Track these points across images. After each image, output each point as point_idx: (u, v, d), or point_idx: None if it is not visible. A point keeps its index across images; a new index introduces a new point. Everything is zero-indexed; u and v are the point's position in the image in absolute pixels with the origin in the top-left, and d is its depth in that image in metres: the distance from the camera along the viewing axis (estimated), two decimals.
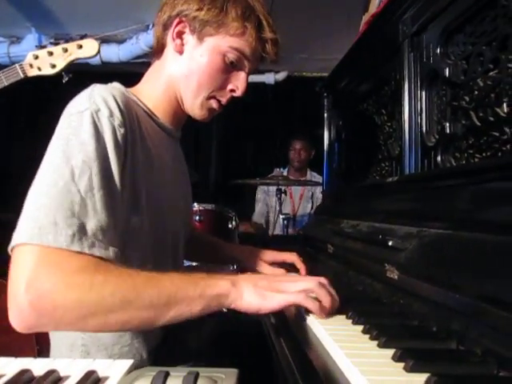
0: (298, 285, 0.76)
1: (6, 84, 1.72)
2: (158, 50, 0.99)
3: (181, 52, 0.95)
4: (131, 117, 0.82)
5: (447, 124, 0.97)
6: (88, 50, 1.77)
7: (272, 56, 0.98)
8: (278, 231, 2.96)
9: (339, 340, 0.60)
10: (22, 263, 0.64)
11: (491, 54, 0.83)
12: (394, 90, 1.23)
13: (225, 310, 1.93)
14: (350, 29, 2.09)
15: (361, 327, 0.66)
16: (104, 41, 3.41)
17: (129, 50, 3.34)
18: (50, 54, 1.76)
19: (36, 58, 1.75)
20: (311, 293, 0.74)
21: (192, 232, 1.36)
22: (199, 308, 0.70)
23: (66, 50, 1.76)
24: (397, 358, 0.53)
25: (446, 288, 0.67)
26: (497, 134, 0.82)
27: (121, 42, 3.41)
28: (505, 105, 0.80)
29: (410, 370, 0.49)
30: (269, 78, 4.05)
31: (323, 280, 0.79)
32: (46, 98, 3.63)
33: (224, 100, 0.99)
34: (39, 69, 1.76)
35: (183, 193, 1.11)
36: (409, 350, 0.54)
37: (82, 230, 0.67)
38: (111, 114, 0.77)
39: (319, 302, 0.74)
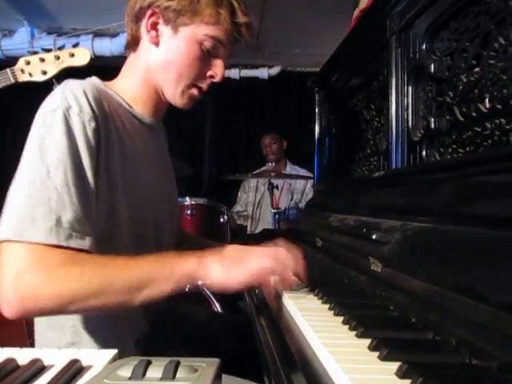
0: (259, 260, 0.80)
1: None
2: (132, 43, 0.99)
3: (157, 44, 0.95)
4: (103, 110, 0.84)
5: (432, 119, 0.99)
6: (80, 58, 1.80)
7: (247, 39, 0.98)
8: (264, 226, 2.98)
9: (319, 330, 0.62)
10: (5, 260, 0.71)
11: (474, 51, 0.85)
12: (382, 85, 1.24)
13: (219, 309, 1.95)
14: (342, 23, 2.09)
15: (341, 318, 0.68)
16: (97, 34, 3.40)
17: (121, 43, 3.32)
18: (42, 60, 1.78)
19: (28, 63, 1.77)
20: (272, 270, 0.80)
21: (180, 231, 1.37)
22: (169, 288, 0.76)
23: (57, 58, 1.78)
24: (372, 348, 0.54)
25: (424, 280, 0.69)
26: (479, 130, 0.83)
27: (114, 35, 3.40)
28: (487, 101, 0.81)
29: (383, 358, 0.51)
30: (262, 73, 4.05)
31: (281, 255, 0.83)
32: (38, 95, 3.62)
33: (204, 86, 1.00)
34: (30, 75, 1.78)
35: (165, 183, 1.11)
36: (384, 339, 0.56)
37: (58, 223, 0.72)
38: (81, 110, 0.80)
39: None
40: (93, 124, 0.80)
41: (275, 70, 4.07)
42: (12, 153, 0.86)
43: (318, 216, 1.52)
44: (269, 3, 3.02)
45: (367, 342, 0.56)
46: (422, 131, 1.03)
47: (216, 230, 2.45)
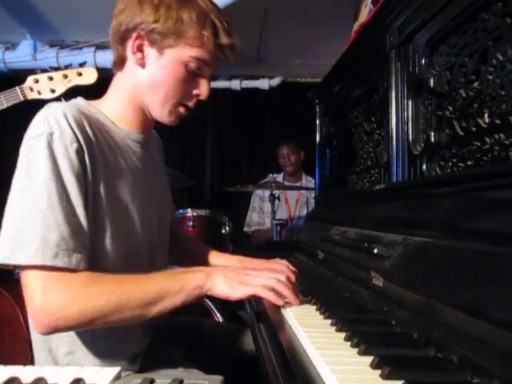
0: (260, 280, 0.87)
1: (6, 106, 1.79)
2: (118, 63, 1.00)
3: (142, 65, 0.97)
4: (84, 131, 0.87)
5: (432, 133, 0.99)
6: (87, 77, 1.85)
7: (231, 58, 1.00)
8: (275, 237, 2.96)
9: (321, 348, 0.62)
10: (31, 287, 0.78)
11: (473, 66, 0.85)
12: (382, 98, 1.25)
13: (220, 319, 1.95)
14: (342, 35, 2.11)
15: (343, 334, 0.68)
16: (99, 47, 3.42)
17: None
18: (50, 79, 1.83)
19: (36, 81, 1.83)
20: (270, 287, 0.87)
21: (183, 237, 1.37)
22: (181, 300, 0.84)
23: (65, 77, 1.83)
24: (374, 365, 0.54)
25: (426, 296, 0.69)
26: (478, 144, 0.84)
27: None
28: (486, 116, 0.82)
29: (386, 377, 0.51)
30: (263, 84, 4.07)
31: (282, 277, 0.90)
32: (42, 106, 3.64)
33: (191, 104, 1.02)
34: (39, 92, 1.84)
35: (157, 198, 1.11)
36: (386, 357, 0.56)
37: (44, 244, 0.77)
38: (61, 134, 0.83)
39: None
40: (75, 145, 0.84)
41: (276, 81, 4.09)
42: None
43: (320, 228, 1.52)
44: (270, 15, 3.04)
45: (369, 359, 0.56)
46: (423, 145, 1.04)
47: (218, 242, 2.45)
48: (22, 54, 3.37)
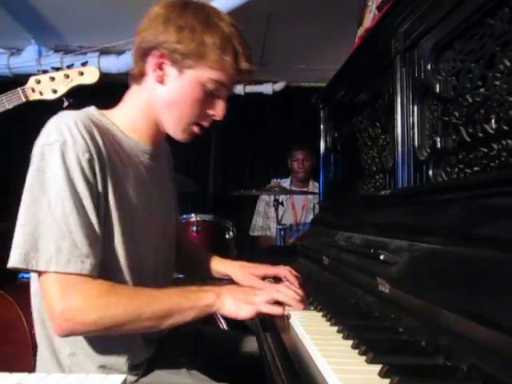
0: (261, 298, 0.92)
1: (8, 107, 1.79)
2: (137, 76, 1.02)
3: (162, 82, 0.98)
4: (95, 141, 0.89)
5: (438, 139, 0.99)
6: (89, 77, 1.84)
7: (247, 81, 1.06)
8: (278, 242, 2.96)
9: (328, 355, 0.61)
10: (50, 292, 0.82)
11: (479, 72, 0.85)
12: (388, 103, 1.24)
13: (225, 327, 1.96)
14: (346, 40, 2.11)
15: (350, 342, 0.67)
16: (103, 52, 3.44)
17: (127, 61, 3.36)
18: (52, 79, 1.82)
19: (38, 82, 1.81)
20: (273, 300, 0.93)
21: (187, 243, 1.37)
22: (191, 317, 0.89)
23: (67, 76, 1.81)
24: (383, 374, 0.54)
25: (434, 303, 0.68)
26: (485, 150, 0.84)
27: (120, 53, 3.44)
28: (493, 121, 0.81)
29: None
30: (267, 89, 4.08)
31: (281, 287, 0.97)
32: (46, 111, 3.65)
33: (206, 124, 1.04)
34: (41, 93, 1.82)
35: (163, 209, 1.12)
36: (395, 365, 0.55)
37: (58, 251, 0.81)
38: (74, 143, 0.86)
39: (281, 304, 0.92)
40: (87, 155, 0.87)
41: (280, 86, 4.10)
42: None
43: (325, 233, 1.52)
44: (273, 19, 3.05)
45: (377, 367, 0.56)
46: (428, 150, 1.03)
47: (222, 247, 2.45)
48: (26, 59, 3.39)
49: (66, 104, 1.85)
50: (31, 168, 0.86)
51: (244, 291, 0.96)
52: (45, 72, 1.85)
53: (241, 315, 0.90)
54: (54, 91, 1.82)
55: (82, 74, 1.82)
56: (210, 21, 0.96)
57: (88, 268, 0.83)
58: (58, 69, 1.87)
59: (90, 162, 0.87)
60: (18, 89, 1.80)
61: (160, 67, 0.97)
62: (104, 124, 0.97)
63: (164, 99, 0.99)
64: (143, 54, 0.98)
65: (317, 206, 3.28)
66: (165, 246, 1.11)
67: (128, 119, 1.02)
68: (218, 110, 1.02)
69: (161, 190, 1.12)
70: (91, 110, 0.99)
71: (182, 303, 0.88)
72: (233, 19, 1.00)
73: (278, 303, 0.92)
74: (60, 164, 0.84)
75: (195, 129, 1.03)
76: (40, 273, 0.83)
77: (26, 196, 0.84)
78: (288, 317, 0.88)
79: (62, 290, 0.81)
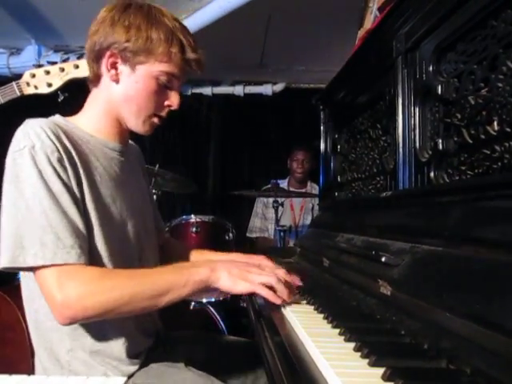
0: (261, 278, 0.94)
1: (3, 102, 1.77)
2: (94, 79, 1.07)
3: (117, 81, 1.04)
4: (62, 143, 0.94)
5: (440, 140, 0.99)
6: (84, 70, 1.80)
7: (197, 71, 1.09)
8: (278, 243, 2.95)
9: (330, 358, 0.61)
10: (44, 283, 0.86)
11: (481, 73, 0.85)
12: (389, 105, 1.24)
13: (223, 326, 1.93)
14: (346, 41, 2.12)
15: (352, 344, 0.67)
16: None
17: None
18: (47, 72, 1.79)
19: (33, 76, 1.79)
20: (269, 285, 0.93)
21: (166, 241, 1.40)
22: (186, 293, 0.92)
23: (62, 70, 1.79)
24: (386, 378, 0.53)
25: (436, 306, 0.68)
26: (488, 152, 0.83)
27: None
28: (495, 123, 0.81)
29: None
30: (266, 90, 4.08)
31: (281, 274, 0.98)
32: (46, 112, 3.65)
33: (163, 114, 1.10)
34: (36, 87, 1.80)
35: (138, 203, 1.15)
36: (398, 369, 0.55)
37: (42, 246, 0.85)
38: (42, 145, 0.90)
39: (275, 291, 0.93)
40: (56, 154, 0.91)
41: (279, 87, 4.10)
42: None
43: (324, 235, 1.51)
44: (273, 21, 3.05)
45: (380, 371, 0.55)
46: (430, 152, 1.03)
47: (221, 248, 2.44)
48: (26, 59, 3.38)
49: (61, 98, 1.83)
50: (5, 176, 0.91)
51: (238, 266, 0.98)
52: (40, 66, 1.84)
53: (236, 290, 0.93)
54: (49, 85, 1.80)
55: (77, 66, 1.80)
56: (153, 17, 1.02)
57: (75, 257, 0.86)
58: (53, 63, 1.85)
59: (60, 160, 0.91)
60: (13, 83, 1.78)
61: (113, 67, 1.03)
62: (70, 128, 1.02)
63: (121, 96, 1.04)
64: (96, 57, 1.04)
65: (315, 207, 3.29)
66: (146, 235, 1.14)
67: (92, 121, 1.07)
68: (173, 100, 1.08)
69: (134, 184, 1.17)
70: (56, 118, 1.04)
71: (175, 280, 0.91)
72: (174, 14, 1.07)
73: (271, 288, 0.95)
74: (31, 166, 0.88)
75: (155, 120, 1.09)
76: (34, 270, 0.87)
77: (5, 202, 0.89)
78: (288, 317, 0.88)
79: (57, 281, 0.84)
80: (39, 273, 0.86)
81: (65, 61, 1.86)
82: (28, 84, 1.79)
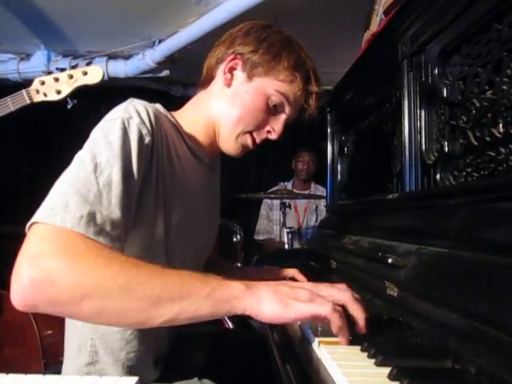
0: (327, 291, 0.73)
1: (13, 109, 1.80)
2: (205, 81, 1.04)
3: (228, 85, 0.99)
4: (160, 131, 0.86)
5: (446, 143, 0.99)
6: (93, 76, 1.84)
7: (313, 109, 1.04)
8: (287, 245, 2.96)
9: (337, 358, 0.62)
10: (29, 240, 0.66)
11: (486, 76, 0.86)
12: (395, 107, 1.25)
13: (230, 325, 1.91)
14: (353, 43, 2.12)
15: (359, 345, 0.68)
16: (111, 57, 3.47)
17: (135, 65, 3.39)
18: (56, 80, 1.82)
19: (42, 83, 1.82)
20: (338, 308, 0.69)
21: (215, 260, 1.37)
22: (206, 310, 0.65)
23: (71, 77, 1.82)
24: (392, 377, 0.54)
25: (442, 307, 0.69)
26: (493, 154, 0.84)
27: (128, 57, 3.47)
28: (500, 125, 0.82)
29: None
30: None
31: (355, 294, 0.75)
32: (55, 116, 3.71)
33: (259, 139, 1.03)
34: (45, 95, 1.83)
35: (208, 220, 1.12)
36: (404, 368, 0.56)
37: (91, 216, 0.68)
38: (141, 122, 0.81)
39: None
40: (148, 138, 0.82)
41: None
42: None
43: (332, 237, 1.52)
44: (280, 23, 3.06)
45: (387, 370, 0.56)
46: (436, 154, 1.03)
47: (229, 250, 2.46)
48: (35, 65, 3.43)
49: (70, 105, 1.86)
50: (86, 143, 0.79)
51: (287, 284, 0.72)
52: (49, 73, 1.86)
53: (290, 315, 0.66)
54: (58, 92, 1.83)
55: (85, 73, 1.83)
56: (290, 43, 1.00)
57: (89, 230, 0.67)
58: (62, 69, 1.88)
59: (150, 147, 0.82)
60: (23, 90, 1.81)
61: (230, 71, 0.99)
62: (169, 121, 0.96)
63: (227, 101, 0.99)
64: (217, 59, 1.01)
65: (319, 208, 3.30)
66: (205, 249, 1.12)
67: (191, 122, 1.01)
68: (276, 127, 1.02)
69: (210, 201, 1.12)
70: (158, 105, 0.96)
71: (195, 286, 0.66)
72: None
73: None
74: (119, 134, 0.77)
75: (249, 140, 1.02)
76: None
77: (73, 162, 0.76)
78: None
79: (41, 237, 0.66)
80: (39, 227, 0.67)
81: (74, 67, 1.88)
82: (37, 91, 1.82)
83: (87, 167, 0.73)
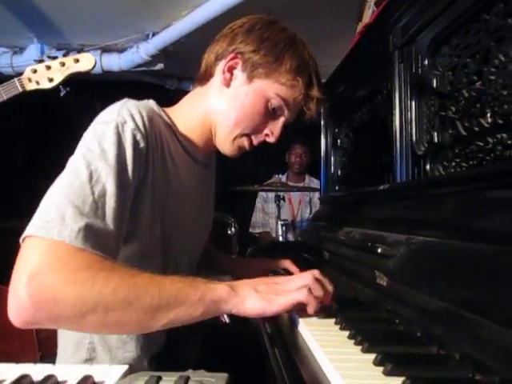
0: (296, 282, 0.77)
1: (5, 98, 1.78)
2: (203, 77, 1.00)
3: (227, 86, 0.96)
4: (154, 134, 0.85)
5: (435, 133, 1.00)
6: (85, 63, 1.81)
7: (313, 113, 1.01)
8: (281, 237, 2.97)
9: (325, 345, 0.63)
10: (25, 255, 0.65)
11: (475, 67, 0.86)
12: (386, 98, 1.25)
13: (226, 320, 1.91)
14: (346, 36, 2.12)
15: (347, 332, 0.69)
16: (105, 50, 3.45)
17: (129, 58, 3.37)
18: (48, 68, 1.80)
19: (34, 72, 1.80)
20: (310, 288, 0.75)
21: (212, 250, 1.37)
22: (198, 313, 0.70)
23: (63, 64, 1.80)
24: (377, 363, 0.55)
25: (429, 294, 0.70)
26: (481, 144, 0.85)
27: (121, 51, 3.45)
28: (488, 115, 0.82)
29: (387, 373, 0.52)
30: None
31: (317, 274, 0.80)
32: (50, 110, 3.69)
33: (256, 142, 1.01)
34: (37, 83, 1.81)
35: (203, 217, 1.12)
36: (389, 354, 0.57)
37: (87, 229, 0.68)
38: (135, 127, 0.80)
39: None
40: (143, 144, 0.81)
41: None
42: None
43: (325, 228, 1.53)
44: (273, 15, 3.05)
45: (372, 356, 0.57)
46: (426, 145, 1.04)
47: (224, 243, 2.47)
48: (29, 58, 3.40)
49: (63, 92, 1.85)
50: (78, 145, 0.78)
51: (264, 281, 0.78)
52: (41, 61, 1.84)
53: (272, 309, 0.72)
54: (51, 80, 1.81)
55: (77, 61, 1.80)
56: (294, 43, 0.96)
57: (85, 243, 0.67)
58: (54, 57, 1.85)
59: (145, 151, 0.82)
60: (15, 79, 1.79)
61: (230, 71, 0.96)
62: (163, 120, 0.94)
63: (224, 102, 0.97)
64: (216, 56, 0.97)
65: (313, 200, 3.32)
66: (200, 246, 1.12)
67: (186, 119, 0.99)
68: (274, 130, 0.99)
69: (205, 197, 1.12)
70: (152, 103, 0.94)
71: (188, 293, 0.70)
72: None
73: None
74: (113, 141, 0.76)
75: (246, 142, 0.99)
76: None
77: (66, 169, 0.75)
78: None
79: (40, 252, 0.65)
80: (35, 240, 0.66)
81: (65, 55, 1.86)
82: (30, 80, 1.80)
83: (81, 176, 0.72)
